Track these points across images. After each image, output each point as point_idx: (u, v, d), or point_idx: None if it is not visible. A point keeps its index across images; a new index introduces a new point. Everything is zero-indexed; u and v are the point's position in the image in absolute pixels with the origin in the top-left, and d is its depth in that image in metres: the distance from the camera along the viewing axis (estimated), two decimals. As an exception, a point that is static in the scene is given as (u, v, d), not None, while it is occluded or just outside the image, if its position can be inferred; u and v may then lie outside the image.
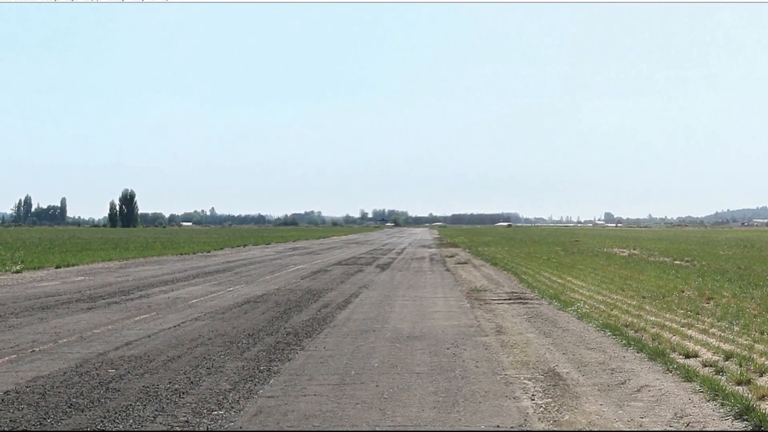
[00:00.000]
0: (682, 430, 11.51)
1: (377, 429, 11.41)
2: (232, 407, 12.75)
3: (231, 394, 13.66)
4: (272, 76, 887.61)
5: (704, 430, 11.50)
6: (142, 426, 11.54)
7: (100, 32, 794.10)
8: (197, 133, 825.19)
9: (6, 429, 10.72)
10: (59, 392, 13.80)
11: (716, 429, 11.54)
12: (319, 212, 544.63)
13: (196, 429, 11.40)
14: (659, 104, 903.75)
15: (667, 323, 22.02)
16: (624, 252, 72.69)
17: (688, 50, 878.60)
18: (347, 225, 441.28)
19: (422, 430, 11.38)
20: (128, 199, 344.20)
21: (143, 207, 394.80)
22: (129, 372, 15.56)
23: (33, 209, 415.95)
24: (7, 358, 17.09)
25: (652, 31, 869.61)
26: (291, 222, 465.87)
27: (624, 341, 19.18)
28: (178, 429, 11.41)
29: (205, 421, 11.86)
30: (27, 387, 14.21)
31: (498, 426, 11.60)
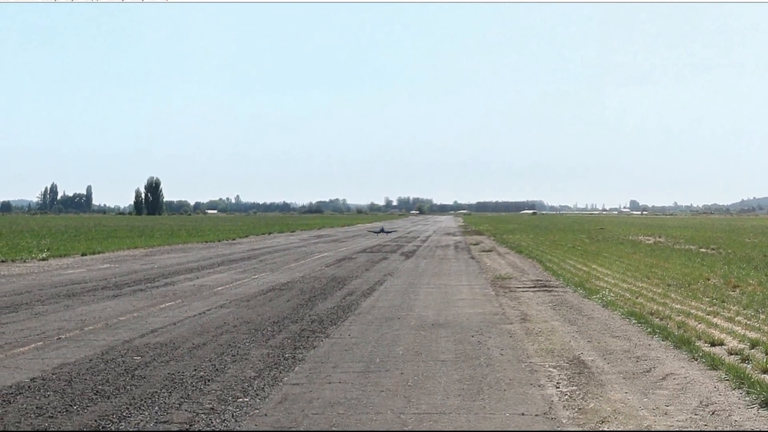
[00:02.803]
0: (707, 418, 11.49)
1: (395, 430, 11.41)
2: (258, 394, 12.78)
3: (256, 382, 13.69)
4: (298, 65, 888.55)
5: (730, 418, 11.47)
6: (167, 413, 11.59)
7: (125, 21, 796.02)
8: (222, 121, 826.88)
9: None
10: (85, 379, 13.86)
11: (742, 417, 11.50)
12: (344, 200, 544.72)
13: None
14: (685, 91, 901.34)
15: (692, 311, 21.96)
16: (649, 240, 72.51)
17: (714, 37, 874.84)
18: (372, 213, 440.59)
19: (446, 429, 11.38)
20: (153, 187, 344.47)
21: (168, 195, 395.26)
22: (154, 359, 15.62)
23: (59, 197, 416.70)
24: (33, 345, 17.17)
25: (678, 18, 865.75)
26: (316, 210, 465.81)
27: (649, 329, 19.14)
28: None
29: (230, 408, 11.90)
30: (53, 374, 14.27)
31: (523, 413, 11.60)
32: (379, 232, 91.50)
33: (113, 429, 10.83)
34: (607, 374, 14.42)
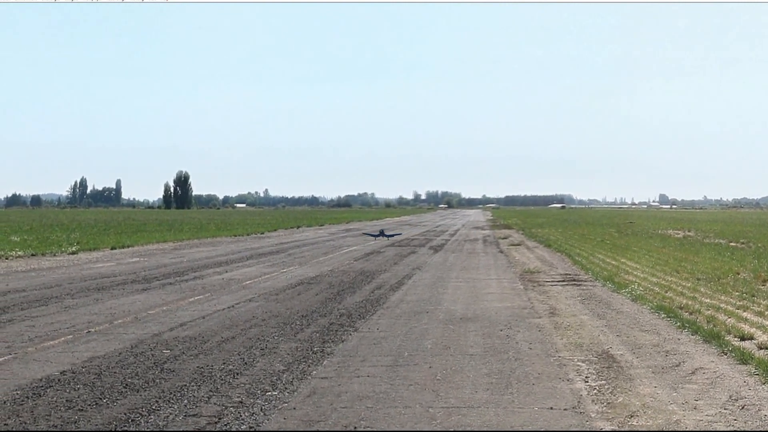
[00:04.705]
0: (736, 412, 11.45)
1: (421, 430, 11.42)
2: (286, 388, 12.81)
3: (285, 375, 13.73)
4: (325, 58, 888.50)
5: (759, 413, 11.42)
6: (196, 406, 11.63)
7: (154, 17, 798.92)
8: (251, 115, 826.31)
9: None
10: (114, 372, 13.93)
11: (772, 412, 11.46)
12: (373, 194, 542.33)
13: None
14: (714, 85, 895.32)
15: (722, 305, 21.87)
16: (679, 234, 72.25)
17: (743, 31, 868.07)
18: (400, 206, 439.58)
19: (474, 423, 11.37)
20: (182, 181, 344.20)
21: (197, 189, 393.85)
22: (183, 353, 15.68)
23: (88, 191, 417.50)
24: (63, 338, 17.26)
25: (707, 12, 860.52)
26: (344, 204, 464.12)
27: (678, 323, 19.09)
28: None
29: (259, 401, 11.93)
30: (83, 367, 14.35)
31: (551, 408, 11.59)
32: (378, 236, 68.26)
33: (134, 426, 10.89)
34: (636, 368, 14.39)
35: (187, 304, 23.01)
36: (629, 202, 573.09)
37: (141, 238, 60.87)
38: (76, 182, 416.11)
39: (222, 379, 13.38)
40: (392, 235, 69.75)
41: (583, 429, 10.67)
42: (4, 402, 11.89)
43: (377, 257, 43.64)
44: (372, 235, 69.36)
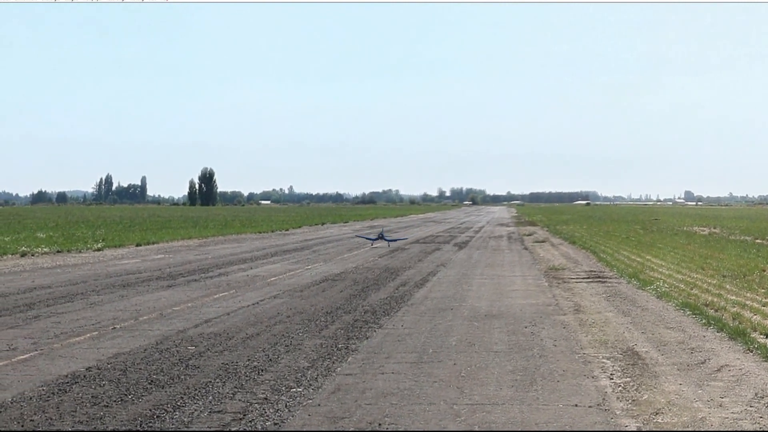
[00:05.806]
0: (762, 410, 11.40)
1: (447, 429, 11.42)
2: (311, 385, 12.82)
3: (309, 372, 13.74)
4: (351, 55, 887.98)
5: (786, 410, 11.38)
6: (221, 403, 11.66)
7: (180, 13, 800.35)
8: (276, 112, 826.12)
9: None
10: (140, 369, 13.97)
11: (798, 410, 11.40)
12: (397, 191, 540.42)
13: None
14: (740, 81, 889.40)
15: (747, 302, 21.78)
16: (704, 231, 71.92)
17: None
18: (425, 203, 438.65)
19: (499, 420, 11.37)
20: (207, 178, 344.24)
21: (222, 185, 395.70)
22: (208, 349, 15.71)
23: (114, 188, 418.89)
24: (88, 334, 17.33)
25: (733, 8, 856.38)
26: (369, 200, 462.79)
27: (704, 320, 19.01)
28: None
29: (284, 398, 11.95)
30: (108, 363, 14.40)
31: (576, 405, 11.57)
32: (376, 239, 53.40)
33: (159, 422, 10.93)
34: (661, 366, 14.35)
35: (211, 300, 23.06)
36: (654, 199, 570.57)
37: (166, 235, 61.01)
38: (101, 179, 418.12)
39: (247, 376, 13.41)
40: (393, 240, 55.96)
41: (608, 426, 10.65)
42: (30, 398, 11.96)
43: (402, 254, 43.62)
44: (369, 239, 55.38)
